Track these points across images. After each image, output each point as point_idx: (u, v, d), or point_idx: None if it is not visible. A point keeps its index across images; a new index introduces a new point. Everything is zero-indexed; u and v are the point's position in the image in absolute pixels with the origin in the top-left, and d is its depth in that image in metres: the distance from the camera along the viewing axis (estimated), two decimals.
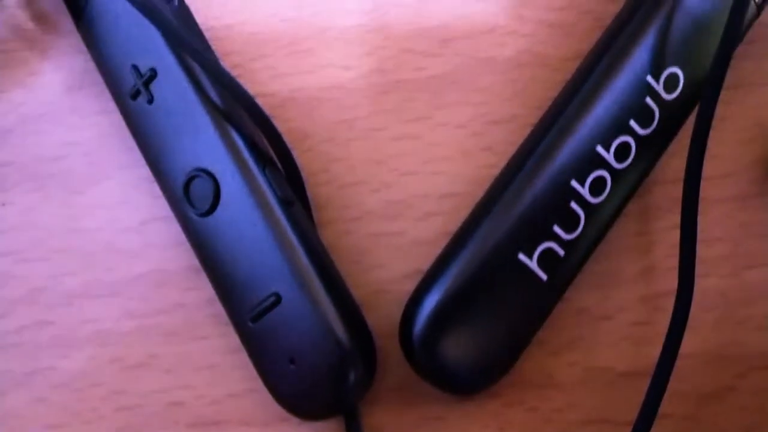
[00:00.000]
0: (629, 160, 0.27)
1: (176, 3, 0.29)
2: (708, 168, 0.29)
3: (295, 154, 0.30)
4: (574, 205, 0.27)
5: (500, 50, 0.31)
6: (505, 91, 0.31)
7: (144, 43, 0.28)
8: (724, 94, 0.27)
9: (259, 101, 0.29)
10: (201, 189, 0.27)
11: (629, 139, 0.27)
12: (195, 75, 0.28)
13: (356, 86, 0.31)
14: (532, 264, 0.27)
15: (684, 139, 0.28)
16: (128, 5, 0.28)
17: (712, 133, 0.27)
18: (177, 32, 0.27)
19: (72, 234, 0.30)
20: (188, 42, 0.27)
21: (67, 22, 0.31)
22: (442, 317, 0.26)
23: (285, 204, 0.27)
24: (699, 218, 0.28)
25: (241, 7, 0.32)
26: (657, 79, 0.28)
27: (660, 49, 0.28)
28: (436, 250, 0.28)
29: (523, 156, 0.28)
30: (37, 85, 0.32)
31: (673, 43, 0.28)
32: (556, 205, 0.27)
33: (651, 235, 0.30)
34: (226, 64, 0.31)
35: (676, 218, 0.28)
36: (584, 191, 0.27)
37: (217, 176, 0.27)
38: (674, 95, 0.28)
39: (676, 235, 0.27)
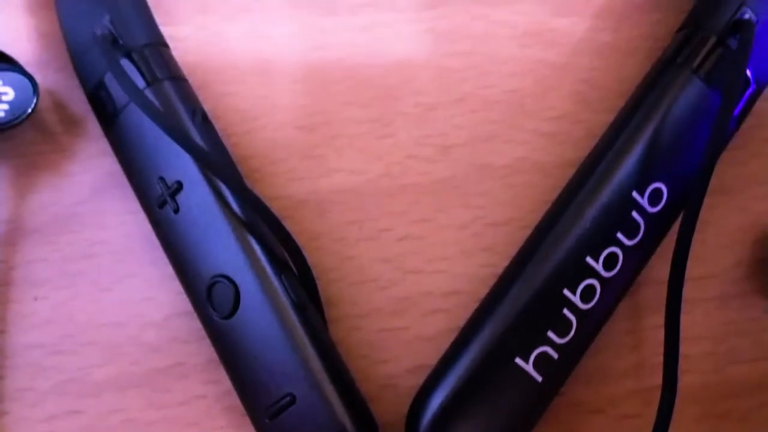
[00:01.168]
0: (617, 269, 0.29)
1: (200, 117, 0.31)
2: (691, 270, 0.30)
3: (308, 252, 0.31)
4: (566, 311, 0.29)
5: (498, 157, 0.33)
6: (502, 196, 0.33)
7: (171, 158, 0.30)
8: (706, 200, 0.29)
9: (277, 203, 0.32)
10: (222, 294, 0.29)
11: (617, 249, 0.29)
12: (218, 189, 0.30)
13: (365, 190, 0.33)
14: (528, 367, 0.29)
15: (671, 242, 0.30)
16: None
17: (695, 237, 0.29)
18: (202, 153, 0.29)
19: (100, 328, 0.32)
20: (212, 161, 0.30)
21: (94, 127, 0.33)
22: (445, 416, 0.28)
23: (300, 309, 0.29)
24: (683, 317, 0.30)
25: (258, 116, 0.34)
26: (642, 194, 0.30)
27: (645, 166, 0.30)
28: (440, 346, 0.30)
29: (519, 265, 0.30)
30: (67, 186, 0.33)
31: (657, 159, 0.30)
32: (550, 312, 0.29)
33: (639, 333, 0.32)
34: (245, 167, 0.33)
35: (663, 317, 0.30)
36: (575, 299, 0.29)
37: (238, 282, 0.29)
38: (658, 208, 0.30)
39: (663, 333, 0.29)
